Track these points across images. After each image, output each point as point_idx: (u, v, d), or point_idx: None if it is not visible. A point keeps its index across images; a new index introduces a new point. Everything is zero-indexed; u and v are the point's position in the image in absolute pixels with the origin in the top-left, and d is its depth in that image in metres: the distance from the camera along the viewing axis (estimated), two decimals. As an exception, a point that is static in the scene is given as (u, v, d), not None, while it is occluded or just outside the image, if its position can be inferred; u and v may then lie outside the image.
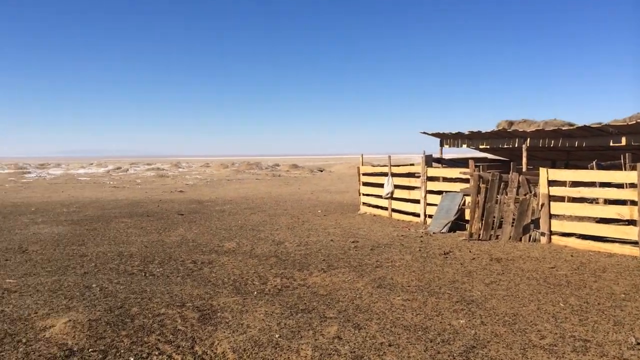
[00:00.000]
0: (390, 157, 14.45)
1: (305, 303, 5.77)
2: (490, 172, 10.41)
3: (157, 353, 4.31)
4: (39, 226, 12.02)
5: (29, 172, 49.91)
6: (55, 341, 4.47)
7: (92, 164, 74.06)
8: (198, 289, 6.25)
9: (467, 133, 12.61)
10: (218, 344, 4.52)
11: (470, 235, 9.97)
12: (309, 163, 75.37)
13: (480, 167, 11.06)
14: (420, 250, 8.84)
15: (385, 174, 14.00)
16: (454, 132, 13.03)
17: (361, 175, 15.44)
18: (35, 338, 4.54)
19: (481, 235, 9.96)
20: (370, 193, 14.82)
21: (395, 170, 13.94)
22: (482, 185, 10.24)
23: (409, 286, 6.49)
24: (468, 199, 10.77)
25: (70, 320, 4.86)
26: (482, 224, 10.03)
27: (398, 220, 13.16)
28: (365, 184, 15.19)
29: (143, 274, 7.20)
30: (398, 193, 13.44)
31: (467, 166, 11.48)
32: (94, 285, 6.34)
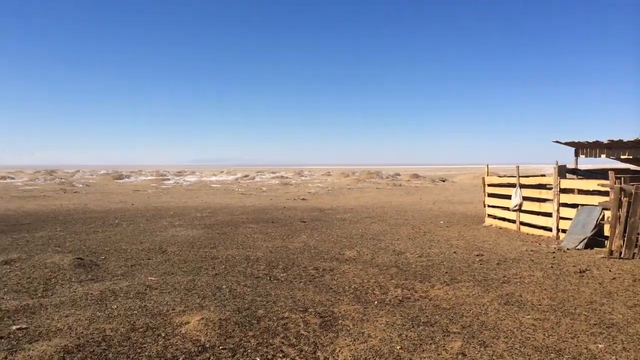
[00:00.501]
0: (518, 167, 13.70)
1: (427, 316, 5.64)
2: (634, 185, 9.46)
3: (281, 355, 4.45)
4: (176, 229, 13.02)
5: (168, 179, 54.36)
6: (189, 337, 4.80)
7: (222, 171, 78.94)
8: (320, 295, 6.37)
9: (606, 142, 11.59)
10: (339, 351, 4.56)
11: (610, 252, 9.12)
12: (430, 173, 73.96)
13: (622, 178, 10.09)
14: (552, 266, 8.25)
15: (512, 185, 13.30)
16: (591, 141, 12.04)
17: (486, 186, 14.81)
18: (172, 333, 4.91)
19: (623, 254, 9.06)
20: (495, 205, 14.16)
21: (524, 181, 13.18)
22: (624, 199, 9.33)
23: (539, 305, 6.08)
24: (607, 214, 9.87)
25: (203, 318, 5.19)
26: (623, 241, 9.13)
27: (527, 234, 12.42)
28: (491, 195, 14.54)
29: (268, 278, 7.49)
30: (527, 205, 12.69)
31: (605, 177, 10.54)
32: (223, 287, 6.72)
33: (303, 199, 25.87)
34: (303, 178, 56.87)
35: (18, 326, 5.06)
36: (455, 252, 9.63)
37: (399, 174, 60.00)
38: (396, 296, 6.52)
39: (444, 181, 48.09)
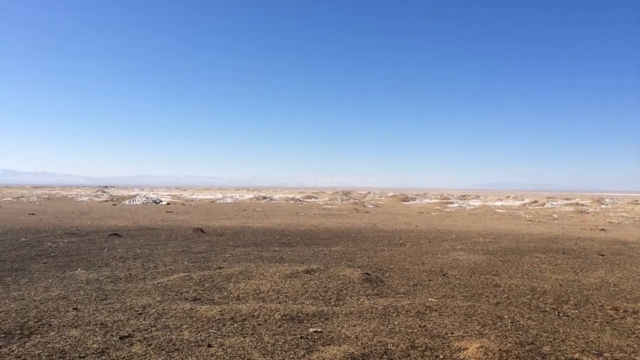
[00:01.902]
0: None
1: None
2: None
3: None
4: (458, 253, 12.98)
5: (452, 202, 54.80)
6: (467, 364, 4.69)
7: (508, 196, 75.88)
8: (619, 340, 5.53)
9: None
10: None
11: None
12: None
13: None
14: None
15: None
16: None
17: None
18: (450, 357, 4.87)
19: None
20: None
21: None
22: None
23: None
24: None
25: (482, 347, 5.02)
26: None
27: None
28: None
29: (556, 313, 6.84)
30: None
31: None
32: (505, 316, 6.39)
33: (602, 229, 22.97)
34: (603, 206, 50.59)
35: (314, 329, 5.70)
36: None
37: None
38: None
39: None
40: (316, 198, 62.18)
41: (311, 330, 5.67)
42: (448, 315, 6.40)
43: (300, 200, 55.55)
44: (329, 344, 5.20)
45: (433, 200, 58.34)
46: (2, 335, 5.26)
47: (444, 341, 5.33)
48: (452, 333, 5.61)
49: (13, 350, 4.82)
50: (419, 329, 5.78)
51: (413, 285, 8.55)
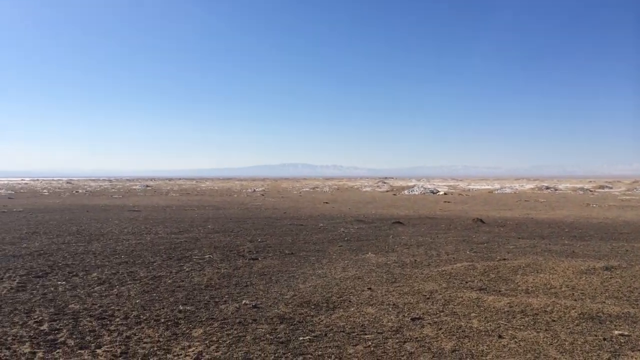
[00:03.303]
0: None
1: None
2: None
3: None
4: None
5: None
6: None
7: None
8: None
9: None
10: None
11: None
12: None
13: None
14: None
15: None
16: None
17: None
18: None
19: None
20: None
21: None
22: None
23: None
24: None
25: None
26: None
27: None
28: None
29: None
30: None
31: None
32: None
33: None
34: None
35: (620, 332, 5.05)
36: None
37: None
38: None
39: None
40: (610, 188, 55.12)
41: (616, 332, 5.04)
42: None
43: (590, 191, 49.97)
44: (638, 349, 4.55)
45: None
46: (313, 307, 6.03)
47: None
48: None
49: (322, 320, 5.49)
50: None
51: None
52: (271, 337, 4.90)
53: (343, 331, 5.11)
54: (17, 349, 4.47)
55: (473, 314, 5.71)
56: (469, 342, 4.80)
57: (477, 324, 5.35)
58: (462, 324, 5.34)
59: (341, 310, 5.90)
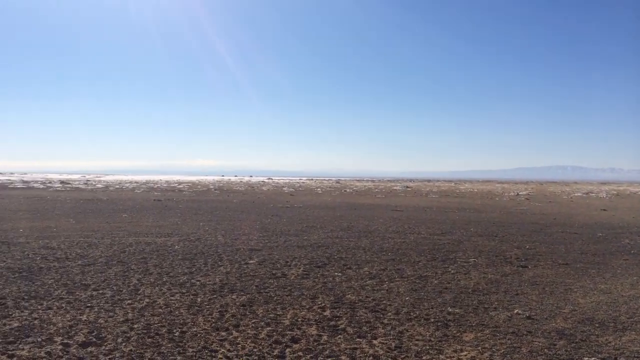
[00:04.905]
0: None
1: None
2: None
3: None
4: None
5: None
6: None
7: None
8: None
9: None
10: None
11: None
12: None
13: None
14: None
15: None
16: None
17: None
18: None
19: None
20: None
21: None
22: None
23: None
24: None
25: None
26: None
27: None
28: None
29: None
30: None
31: None
32: None
33: None
34: None
35: None
36: None
37: None
38: None
39: None
40: None
41: None
42: None
43: None
44: None
45: None
46: (597, 325, 5.37)
47: None
48: None
49: (610, 342, 4.83)
50: None
51: None
52: (550, 352, 4.50)
53: (637, 357, 4.42)
54: (306, 330, 5.00)
55: None
56: None
57: None
58: None
59: (633, 332, 5.12)
